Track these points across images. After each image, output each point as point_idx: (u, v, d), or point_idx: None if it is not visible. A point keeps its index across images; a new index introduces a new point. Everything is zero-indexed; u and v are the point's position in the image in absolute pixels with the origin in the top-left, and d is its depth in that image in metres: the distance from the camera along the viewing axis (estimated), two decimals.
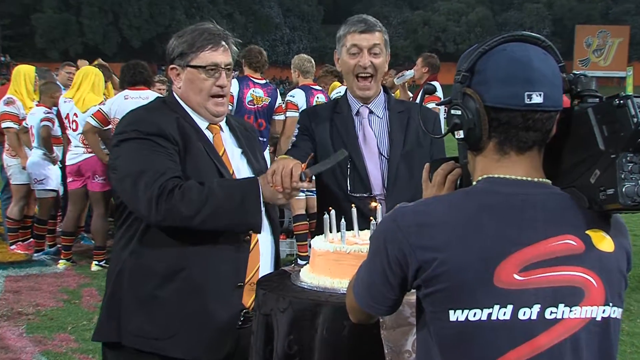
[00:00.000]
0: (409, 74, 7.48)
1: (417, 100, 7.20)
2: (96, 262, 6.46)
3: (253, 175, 2.40)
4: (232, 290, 2.26)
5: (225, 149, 2.40)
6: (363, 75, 2.68)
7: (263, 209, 2.20)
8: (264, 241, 2.37)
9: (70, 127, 6.45)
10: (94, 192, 6.40)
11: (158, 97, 2.62)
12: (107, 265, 6.20)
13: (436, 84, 7.31)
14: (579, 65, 49.29)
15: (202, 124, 2.38)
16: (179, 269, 2.22)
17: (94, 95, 6.44)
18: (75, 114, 6.38)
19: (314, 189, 2.77)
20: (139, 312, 2.24)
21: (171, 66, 2.38)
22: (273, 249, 2.45)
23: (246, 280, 2.28)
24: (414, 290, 1.38)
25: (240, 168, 2.41)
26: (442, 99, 1.51)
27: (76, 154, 6.39)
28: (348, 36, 2.68)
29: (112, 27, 48.27)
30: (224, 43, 2.35)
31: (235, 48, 2.41)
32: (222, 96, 2.37)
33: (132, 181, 2.16)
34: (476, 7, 53.39)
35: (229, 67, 2.37)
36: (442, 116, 6.86)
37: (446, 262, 1.29)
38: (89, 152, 6.30)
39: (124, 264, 2.27)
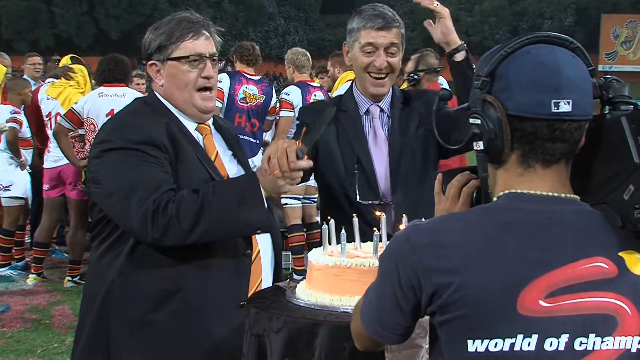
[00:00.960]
0: None
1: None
2: (69, 278, 6.45)
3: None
4: (234, 310, 2.27)
5: (217, 152, 2.41)
6: (378, 76, 2.67)
7: (266, 204, 2.20)
8: (264, 251, 2.39)
9: (52, 126, 6.45)
10: (74, 201, 6.40)
11: (137, 98, 2.63)
12: (82, 282, 6.24)
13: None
14: (606, 59, 49.37)
15: (191, 125, 2.39)
16: (175, 289, 2.23)
17: (80, 95, 6.47)
18: (58, 114, 6.39)
19: (314, 196, 2.77)
20: (131, 339, 2.24)
21: (150, 62, 2.37)
22: (273, 258, 2.48)
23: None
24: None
25: (232, 172, 2.42)
26: (441, 89, 1.51)
27: (58, 156, 6.38)
28: (363, 31, 2.65)
29: (87, 16, 48.23)
30: (205, 31, 2.36)
31: (218, 38, 2.42)
32: (209, 89, 2.37)
33: (122, 198, 2.16)
34: None
35: (214, 56, 2.37)
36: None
37: (464, 287, 1.29)
38: None
39: (112, 286, 2.26)
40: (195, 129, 2.40)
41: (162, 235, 2.12)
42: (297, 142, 2.16)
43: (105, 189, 2.23)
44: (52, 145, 6.47)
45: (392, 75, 2.69)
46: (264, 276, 2.39)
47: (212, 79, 2.36)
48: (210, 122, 2.47)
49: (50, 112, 6.56)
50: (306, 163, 2.15)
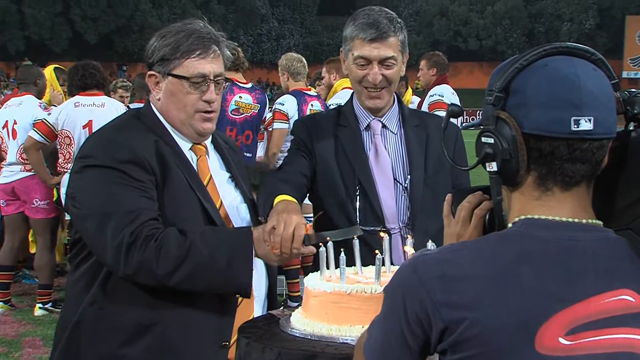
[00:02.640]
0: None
1: (425, 108, 7.25)
2: (40, 305, 6.43)
3: (244, 204, 2.44)
4: (215, 350, 2.27)
5: (211, 175, 2.42)
6: (373, 90, 2.69)
7: (254, 268, 2.21)
8: (257, 279, 2.39)
9: (7, 137, 6.42)
10: (35, 220, 6.38)
11: (129, 110, 2.63)
12: (55, 309, 6.22)
13: (444, 88, 7.38)
14: (630, 65, 49.64)
15: (185, 144, 2.40)
16: (151, 323, 2.23)
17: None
18: (15, 121, 6.36)
19: (309, 215, 2.77)
20: None
21: (150, 72, 2.39)
22: (267, 287, 2.48)
23: (233, 341, 2.29)
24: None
25: (227, 196, 2.43)
26: (449, 104, 1.52)
27: (11, 171, 6.37)
28: (356, 42, 2.66)
29: (61, 18, 48.44)
30: (215, 48, 2.36)
31: (228, 53, 2.43)
32: (210, 111, 2.38)
33: (98, 222, 2.17)
34: None
35: (219, 78, 2.37)
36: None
37: (478, 324, 1.29)
38: (27, 170, 6.28)
39: (83, 315, 2.27)
40: (190, 149, 2.41)
41: (135, 273, 2.14)
42: (308, 226, 2.19)
43: (81, 209, 2.24)
44: (7, 159, 6.43)
45: (389, 87, 2.70)
46: (256, 308, 2.40)
47: (213, 104, 2.37)
48: (208, 141, 2.48)
49: (7, 121, 6.45)
50: (309, 250, 2.20)
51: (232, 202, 2.43)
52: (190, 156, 2.39)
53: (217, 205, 2.37)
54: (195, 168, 2.38)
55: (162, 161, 2.27)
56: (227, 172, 2.50)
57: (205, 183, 2.37)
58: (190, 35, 2.33)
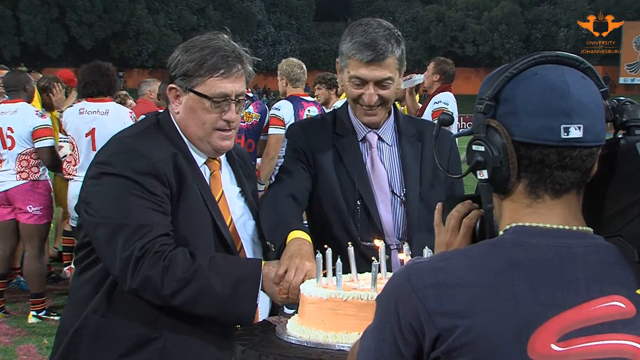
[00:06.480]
0: (418, 78, 7.53)
1: (425, 115, 7.26)
2: (34, 313, 6.41)
3: (252, 221, 2.46)
4: None
5: (223, 192, 2.43)
6: (368, 109, 2.65)
7: (259, 300, 2.22)
8: (260, 304, 2.37)
9: (3, 144, 6.41)
10: (25, 226, 6.32)
11: (148, 115, 2.61)
12: (48, 317, 6.20)
13: (449, 96, 7.38)
14: (627, 71, 49.72)
15: (200, 159, 2.41)
16: (153, 337, 2.24)
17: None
18: (10, 129, 6.35)
19: (305, 222, 2.74)
20: None
21: (171, 85, 2.39)
22: (269, 311, 2.48)
23: None
24: None
25: (236, 212, 2.44)
26: (441, 113, 1.53)
27: (3, 181, 6.29)
28: (352, 61, 2.59)
29: (57, 24, 48.43)
30: (239, 67, 2.36)
31: (251, 69, 2.42)
32: (229, 129, 2.39)
33: (110, 232, 2.18)
34: (501, 0, 53.96)
35: (240, 97, 2.37)
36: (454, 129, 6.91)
37: (470, 331, 1.30)
38: (23, 179, 6.24)
39: (85, 322, 2.28)
40: (204, 163, 2.42)
41: (139, 289, 2.15)
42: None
43: (94, 216, 2.25)
44: (2, 166, 6.40)
45: (384, 106, 2.66)
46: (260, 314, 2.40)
47: (233, 122, 2.37)
48: (222, 155, 2.49)
49: (0, 129, 6.38)
50: None
51: (241, 219, 2.45)
52: (204, 170, 2.40)
53: (227, 222, 2.39)
54: (208, 183, 2.39)
55: (179, 174, 2.28)
56: (237, 186, 2.51)
57: (217, 199, 2.38)
58: (215, 53, 2.32)
